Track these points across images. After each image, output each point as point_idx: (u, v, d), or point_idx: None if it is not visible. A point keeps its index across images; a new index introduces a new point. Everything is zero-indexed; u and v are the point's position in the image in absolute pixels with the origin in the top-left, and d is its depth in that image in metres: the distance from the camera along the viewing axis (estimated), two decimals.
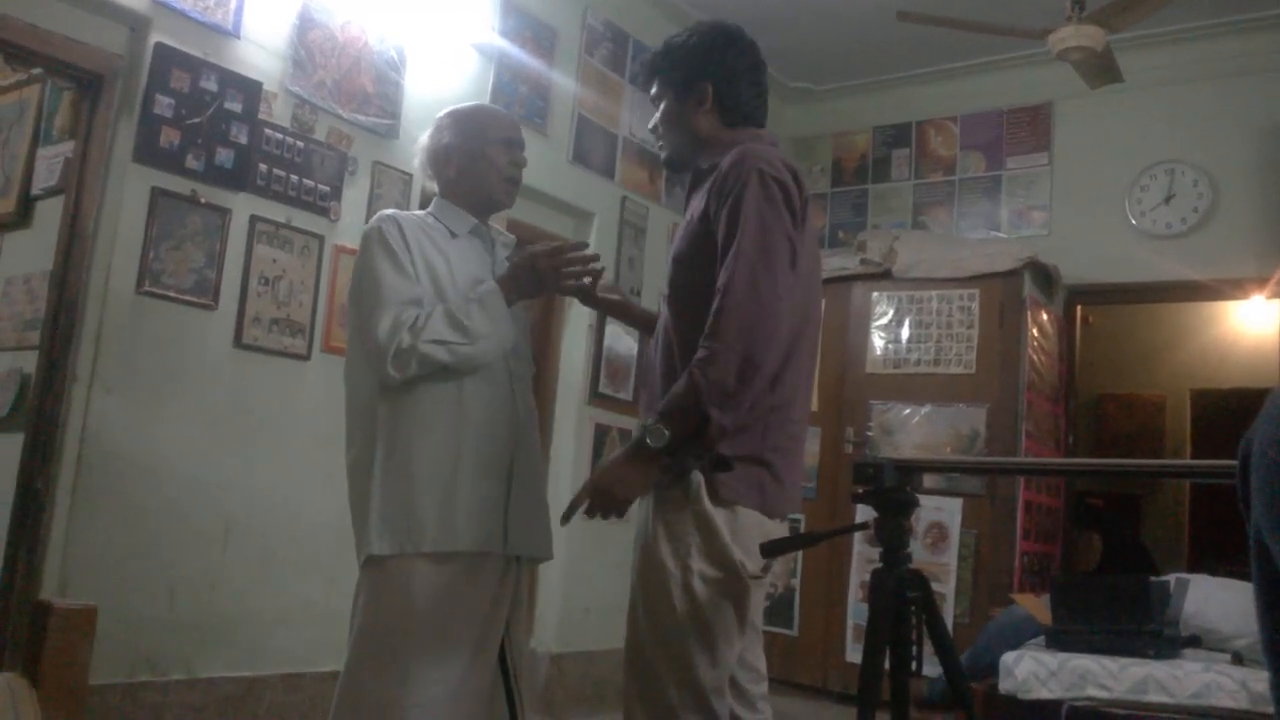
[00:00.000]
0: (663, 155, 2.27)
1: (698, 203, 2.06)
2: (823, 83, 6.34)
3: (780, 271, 1.89)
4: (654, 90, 2.23)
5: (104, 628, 3.04)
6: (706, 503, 1.90)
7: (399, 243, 2.21)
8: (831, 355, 5.39)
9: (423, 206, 2.48)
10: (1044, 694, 3.66)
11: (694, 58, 2.16)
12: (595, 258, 2.35)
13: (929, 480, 4.89)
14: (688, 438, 1.85)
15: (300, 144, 3.72)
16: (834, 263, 5.49)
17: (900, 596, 1.78)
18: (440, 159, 2.38)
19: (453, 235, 2.34)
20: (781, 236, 1.92)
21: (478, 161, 2.35)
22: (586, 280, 2.37)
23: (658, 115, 2.23)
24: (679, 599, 1.89)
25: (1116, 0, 4.04)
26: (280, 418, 3.63)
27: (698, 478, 1.91)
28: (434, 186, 2.45)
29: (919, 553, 4.71)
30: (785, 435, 2.01)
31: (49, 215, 3.50)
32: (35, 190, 3.73)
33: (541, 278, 2.29)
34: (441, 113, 2.45)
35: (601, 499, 1.91)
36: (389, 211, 2.33)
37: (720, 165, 2.02)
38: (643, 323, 2.50)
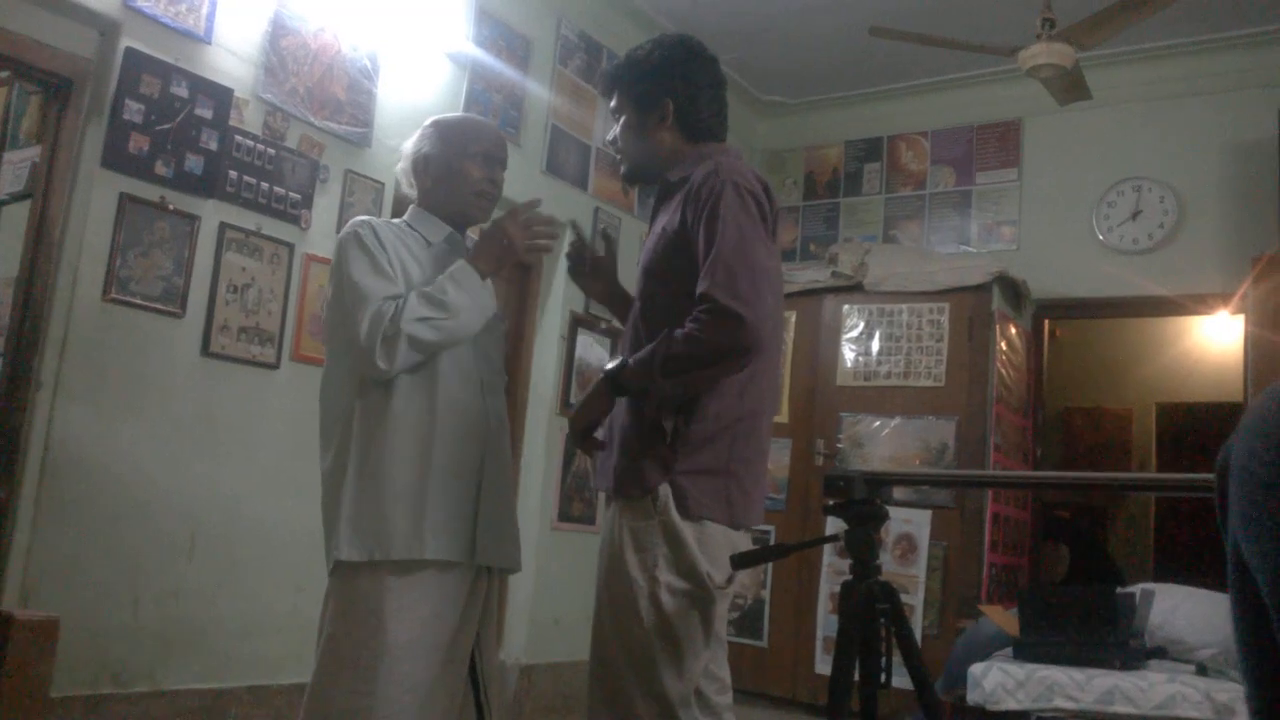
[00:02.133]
0: (622, 168, 2.27)
1: (668, 215, 2.07)
2: (795, 96, 6.38)
3: (759, 275, 1.91)
4: (614, 103, 2.24)
5: (67, 639, 3.01)
6: (674, 514, 1.90)
7: (374, 243, 2.21)
8: (802, 367, 5.41)
9: (396, 215, 2.47)
10: (1012, 705, 3.68)
11: (655, 73, 2.16)
12: (553, 220, 2.35)
13: (898, 492, 4.92)
14: (634, 387, 1.97)
15: (271, 151, 3.70)
16: (805, 275, 5.51)
17: (870, 608, 1.79)
18: (419, 168, 2.38)
19: (428, 244, 2.33)
20: (757, 244, 1.94)
21: (453, 174, 2.35)
22: (550, 243, 2.36)
23: (617, 128, 2.23)
24: (646, 610, 1.89)
25: (1086, 19, 4.10)
26: (248, 426, 3.60)
27: (665, 490, 1.92)
28: (414, 194, 2.44)
29: (888, 564, 4.73)
30: (751, 447, 2.02)
31: (15, 220, 3.45)
32: (1, 195, 3.68)
33: (510, 243, 2.27)
34: (428, 120, 2.45)
35: (571, 428, 2.09)
36: (363, 217, 2.33)
37: (692, 179, 2.03)
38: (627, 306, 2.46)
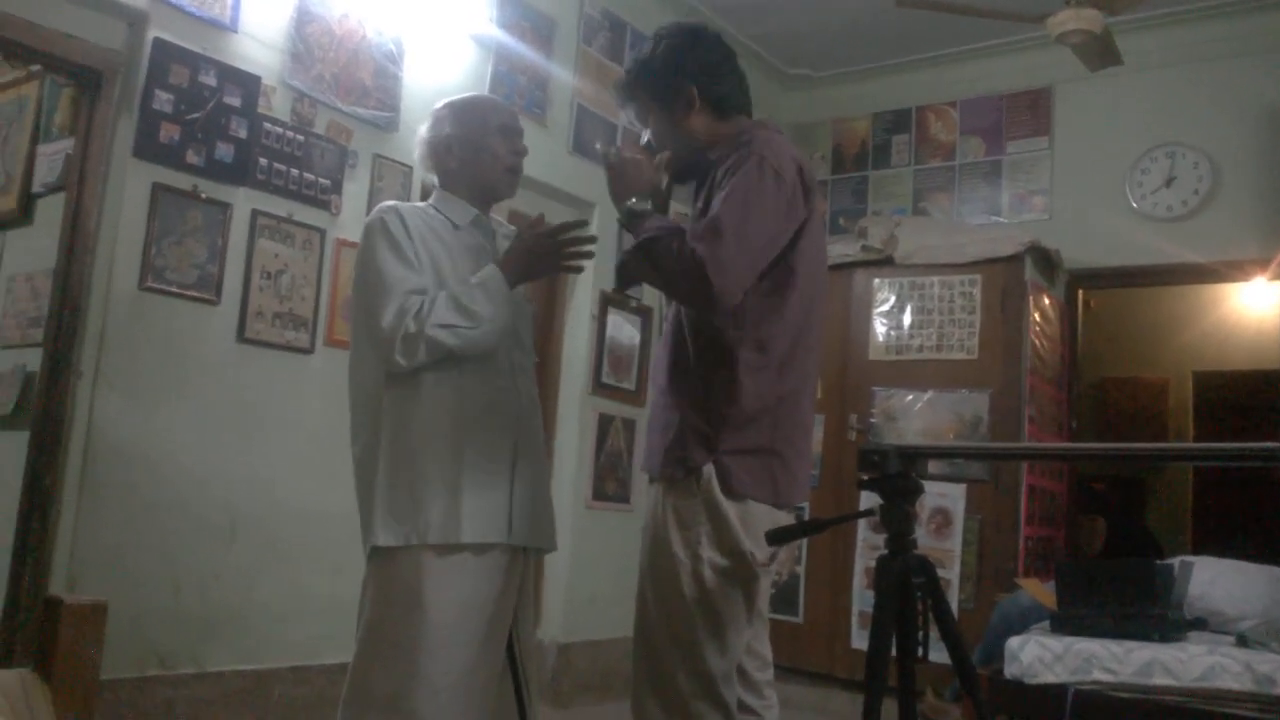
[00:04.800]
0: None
1: (706, 195, 2.06)
2: (822, 69, 6.33)
3: (752, 248, 1.91)
4: (635, 109, 2.23)
5: (113, 623, 3.03)
6: (718, 492, 1.91)
7: (401, 232, 2.22)
8: (834, 342, 5.38)
9: (423, 199, 2.48)
10: (1050, 678, 3.67)
11: (669, 65, 2.16)
12: (593, 238, 2.34)
13: (933, 466, 4.87)
14: (633, 231, 2.05)
15: (300, 138, 3.72)
16: (835, 249, 5.48)
17: (906, 582, 1.78)
18: (441, 150, 2.38)
19: (455, 227, 2.34)
20: (762, 217, 1.93)
21: (479, 152, 2.35)
22: (583, 262, 2.36)
23: (648, 133, 2.21)
24: (689, 587, 1.90)
25: None
26: (284, 411, 3.64)
27: (709, 469, 1.92)
28: (434, 179, 2.45)
29: (923, 539, 4.72)
30: (794, 425, 2.02)
31: (50, 212, 3.49)
32: (36, 187, 3.72)
33: (542, 259, 2.28)
34: (439, 104, 2.45)
35: (613, 176, 2.13)
36: (390, 203, 2.33)
37: (730, 156, 2.02)
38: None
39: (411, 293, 2.15)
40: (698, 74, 2.14)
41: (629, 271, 2.05)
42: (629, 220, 2.06)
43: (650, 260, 1.96)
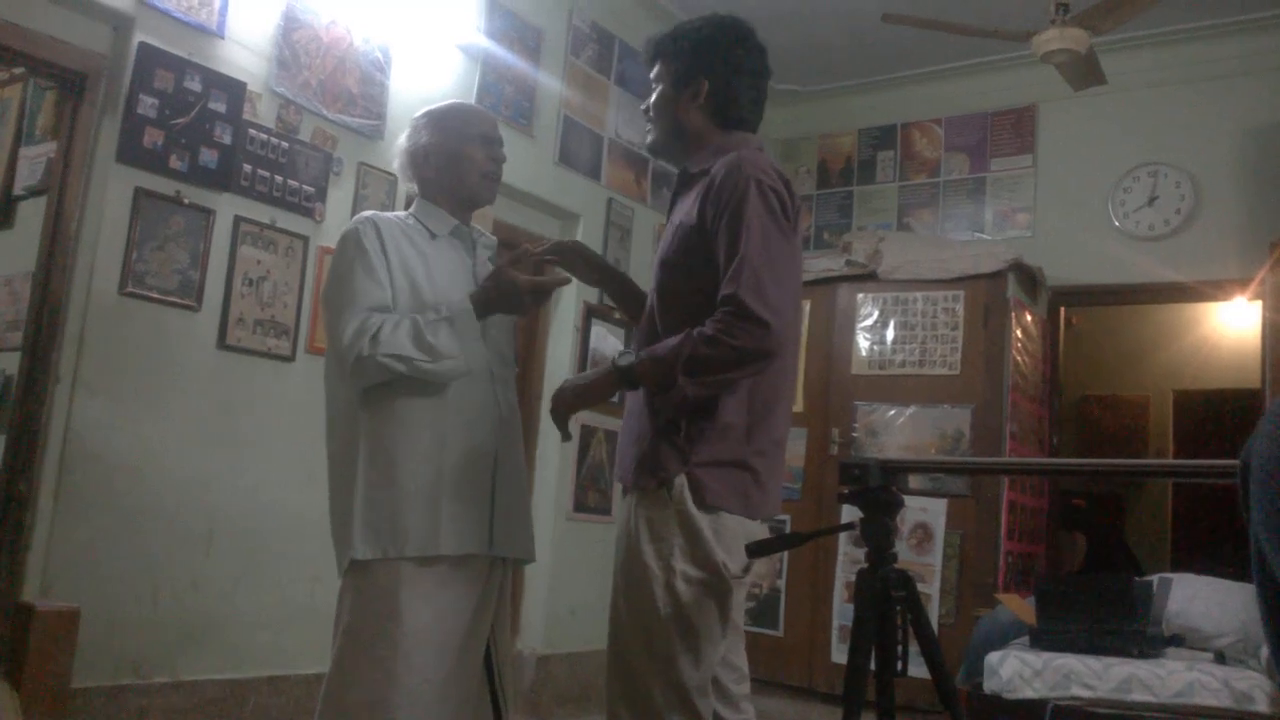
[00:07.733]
0: (648, 140, 2.26)
1: (687, 207, 2.05)
2: (808, 84, 6.35)
3: (784, 279, 1.91)
4: (654, 71, 2.22)
5: (87, 630, 3.04)
6: (690, 504, 1.90)
7: (374, 245, 2.21)
8: (817, 356, 5.40)
9: (406, 207, 2.48)
10: (1028, 693, 3.67)
11: (698, 51, 2.14)
12: (566, 280, 2.39)
13: (914, 481, 4.90)
14: (652, 383, 1.95)
15: (285, 144, 3.71)
16: (819, 264, 5.50)
17: (886, 597, 1.78)
18: (419, 159, 2.38)
19: (433, 236, 2.34)
20: (782, 245, 1.93)
21: (457, 160, 2.35)
22: (554, 288, 2.37)
23: (652, 98, 2.21)
24: (662, 599, 1.89)
25: (1100, 3, 4.06)
26: (264, 419, 3.61)
27: (681, 480, 1.92)
28: (414, 188, 2.45)
29: (904, 553, 4.73)
30: (768, 439, 2.02)
31: (31, 215, 3.48)
32: (17, 190, 3.71)
33: (520, 297, 2.25)
34: (418, 113, 2.45)
35: (558, 402, 2.07)
36: (368, 213, 2.33)
37: (713, 172, 2.01)
38: (631, 298, 2.39)
39: (374, 309, 2.14)
40: (717, 73, 2.12)
41: (689, 392, 1.91)
42: (628, 375, 1.98)
43: (701, 370, 1.88)
